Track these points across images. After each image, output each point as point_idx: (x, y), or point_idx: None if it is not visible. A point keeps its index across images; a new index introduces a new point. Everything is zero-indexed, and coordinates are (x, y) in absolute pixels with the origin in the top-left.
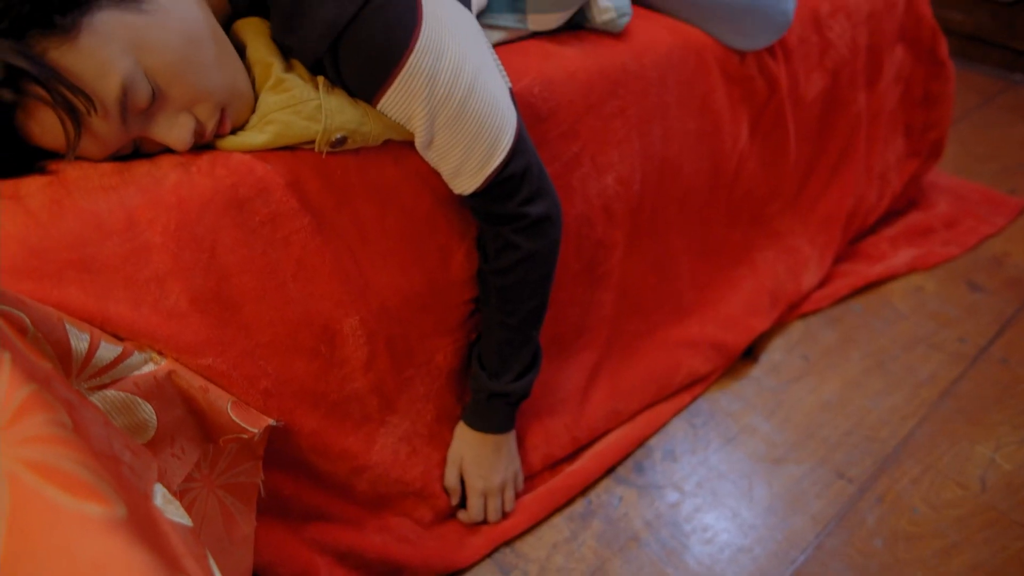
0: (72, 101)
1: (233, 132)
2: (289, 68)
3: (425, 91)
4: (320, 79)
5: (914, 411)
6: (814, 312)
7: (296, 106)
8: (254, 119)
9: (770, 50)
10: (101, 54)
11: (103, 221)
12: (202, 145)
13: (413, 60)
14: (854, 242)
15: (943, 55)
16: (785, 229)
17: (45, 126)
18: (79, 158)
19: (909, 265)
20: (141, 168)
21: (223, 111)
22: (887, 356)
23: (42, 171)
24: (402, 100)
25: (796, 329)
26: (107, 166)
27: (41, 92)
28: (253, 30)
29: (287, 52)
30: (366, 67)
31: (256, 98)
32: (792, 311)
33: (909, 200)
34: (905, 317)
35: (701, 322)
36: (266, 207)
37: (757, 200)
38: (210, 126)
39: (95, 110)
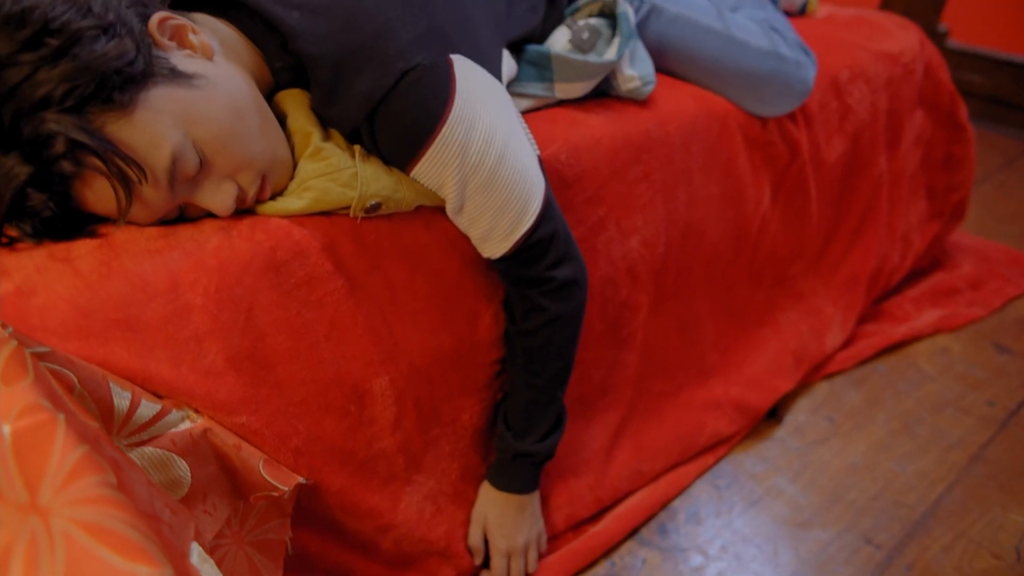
0: (126, 171)
1: (272, 198)
2: (327, 137)
3: (457, 160)
4: (356, 148)
5: (943, 476)
6: (838, 373)
7: (333, 174)
8: (292, 185)
9: (791, 115)
10: (154, 127)
11: (148, 283)
12: (242, 209)
13: (446, 131)
14: (878, 303)
15: (963, 119)
16: (808, 290)
17: (99, 194)
18: (128, 223)
19: (934, 326)
20: (185, 232)
21: (264, 178)
22: (914, 419)
23: (92, 234)
24: (435, 168)
25: (821, 390)
26: (153, 230)
27: (98, 163)
28: (294, 101)
29: (326, 122)
30: (401, 137)
31: (295, 165)
32: (816, 372)
33: (933, 261)
34: (932, 379)
35: (725, 383)
36: (302, 270)
37: (780, 262)
38: (251, 192)
39: (146, 179)
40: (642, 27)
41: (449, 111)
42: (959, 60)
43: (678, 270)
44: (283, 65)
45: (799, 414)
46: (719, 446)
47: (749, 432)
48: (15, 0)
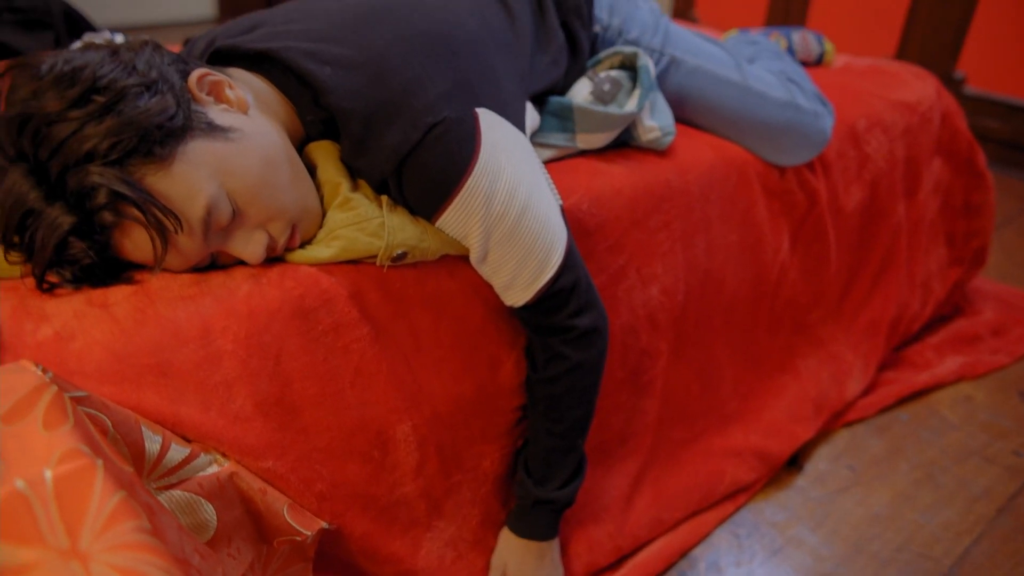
0: (163, 222)
1: (302, 246)
2: (356, 188)
3: (482, 211)
4: (384, 198)
5: (969, 528)
6: (860, 421)
7: (361, 223)
8: (321, 234)
9: (809, 164)
10: (191, 179)
11: (181, 329)
12: (272, 257)
13: (471, 182)
14: (899, 350)
15: (981, 166)
16: (828, 337)
17: (137, 243)
18: (163, 270)
19: (956, 373)
20: (217, 279)
21: (294, 227)
22: (937, 468)
23: (129, 281)
24: (460, 219)
25: (841, 438)
26: (186, 277)
27: (137, 214)
28: (324, 152)
29: (355, 172)
30: (428, 188)
31: (324, 214)
32: (837, 419)
33: (954, 307)
34: (955, 428)
35: (744, 430)
36: (329, 317)
37: (799, 308)
38: (281, 241)
39: (182, 229)
40: (662, 78)
41: (474, 163)
42: (976, 106)
43: (698, 317)
44: (314, 118)
45: (820, 462)
46: (739, 494)
47: (769, 480)
48: (66, 60)
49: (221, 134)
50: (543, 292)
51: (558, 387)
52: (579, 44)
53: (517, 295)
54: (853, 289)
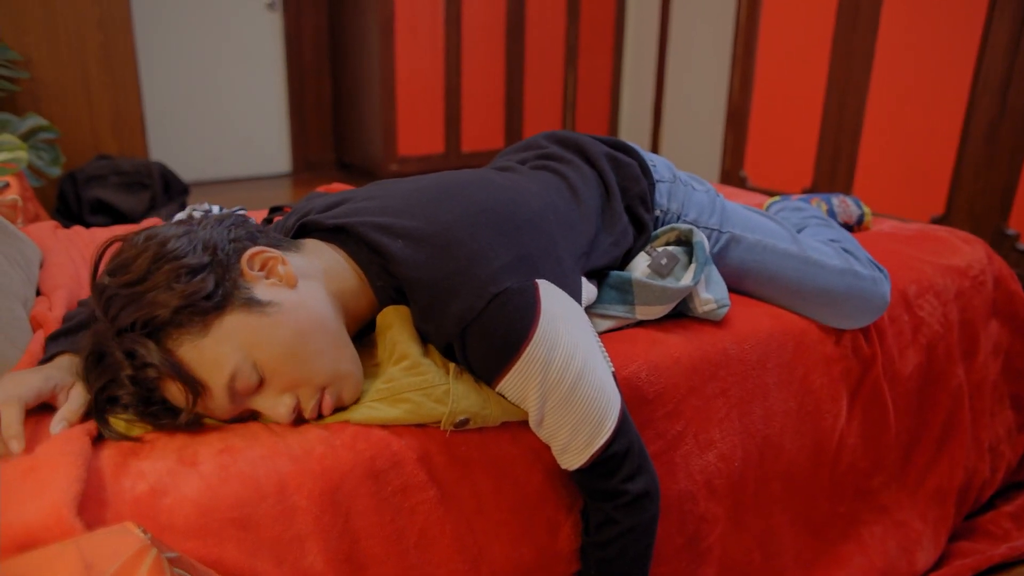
0: (190, 385)
1: (359, 400)
2: (426, 353)
3: (539, 377)
4: (452, 366)
5: None
6: None
7: (428, 389)
8: (385, 391)
9: (864, 331)
10: (218, 351)
11: (260, 484)
12: (345, 417)
13: (531, 349)
14: (971, 518)
15: None
16: (892, 503)
17: (174, 395)
18: (208, 418)
19: None
20: (293, 439)
21: (323, 392)
22: None
23: (205, 429)
24: (519, 383)
25: None
26: (267, 437)
27: (170, 375)
28: (399, 316)
29: (424, 336)
30: (489, 353)
31: (361, 379)
32: None
33: None
34: None
35: None
36: (399, 478)
37: (860, 474)
38: (309, 406)
39: (204, 394)
40: (724, 254)
41: (534, 331)
42: None
43: (756, 484)
44: (385, 284)
45: None
46: None
47: None
48: (147, 238)
49: (259, 308)
50: (597, 456)
51: (609, 551)
52: (644, 227)
53: (572, 459)
54: (916, 454)
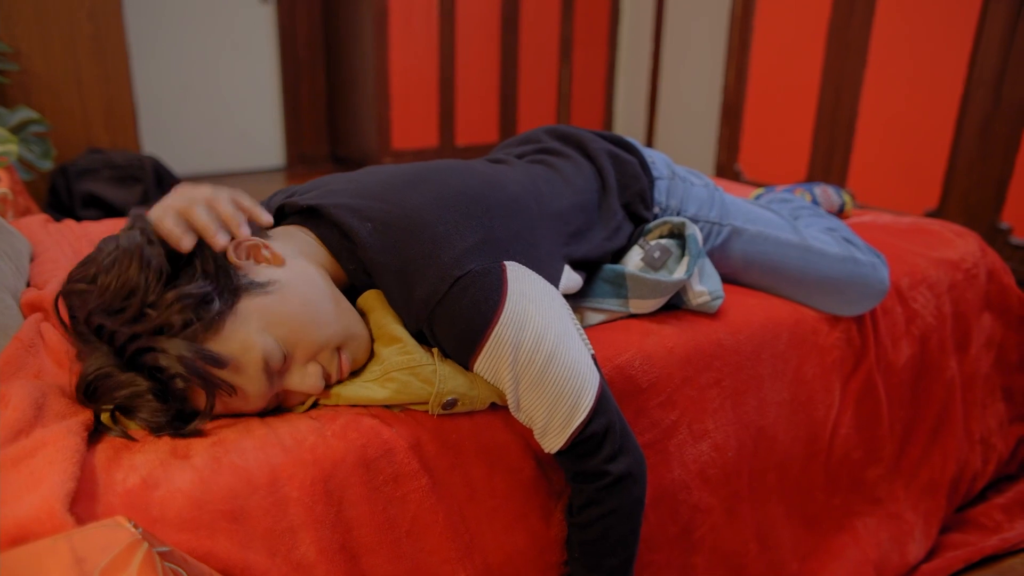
0: (219, 387)
1: (354, 374)
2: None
3: (510, 358)
4: (435, 350)
5: None
6: None
7: (415, 368)
8: (377, 373)
9: (858, 321)
10: (243, 334)
11: (252, 476)
12: (337, 406)
13: (498, 331)
14: (962, 510)
15: None
16: (886, 495)
17: (200, 400)
18: (237, 415)
19: None
20: (284, 430)
21: (340, 352)
22: None
23: (205, 434)
24: (491, 365)
25: None
26: (259, 428)
27: (198, 381)
28: (382, 299)
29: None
30: (457, 338)
31: (371, 340)
32: None
33: (1019, 465)
34: None
35: None
36: (390, 467)
37: (855, 465)
38: (333, 368)
39: (236, 394)
40: (726, 247)
41: (499, 312)
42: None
43: (751, 474)
44: (356, 268)
45: None
46: None
47: None
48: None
49: (261, 290)
50: (575, 436)
51: (590, 533)
52: (643, 224)
53: (552, 441)
54: (910, 446)
